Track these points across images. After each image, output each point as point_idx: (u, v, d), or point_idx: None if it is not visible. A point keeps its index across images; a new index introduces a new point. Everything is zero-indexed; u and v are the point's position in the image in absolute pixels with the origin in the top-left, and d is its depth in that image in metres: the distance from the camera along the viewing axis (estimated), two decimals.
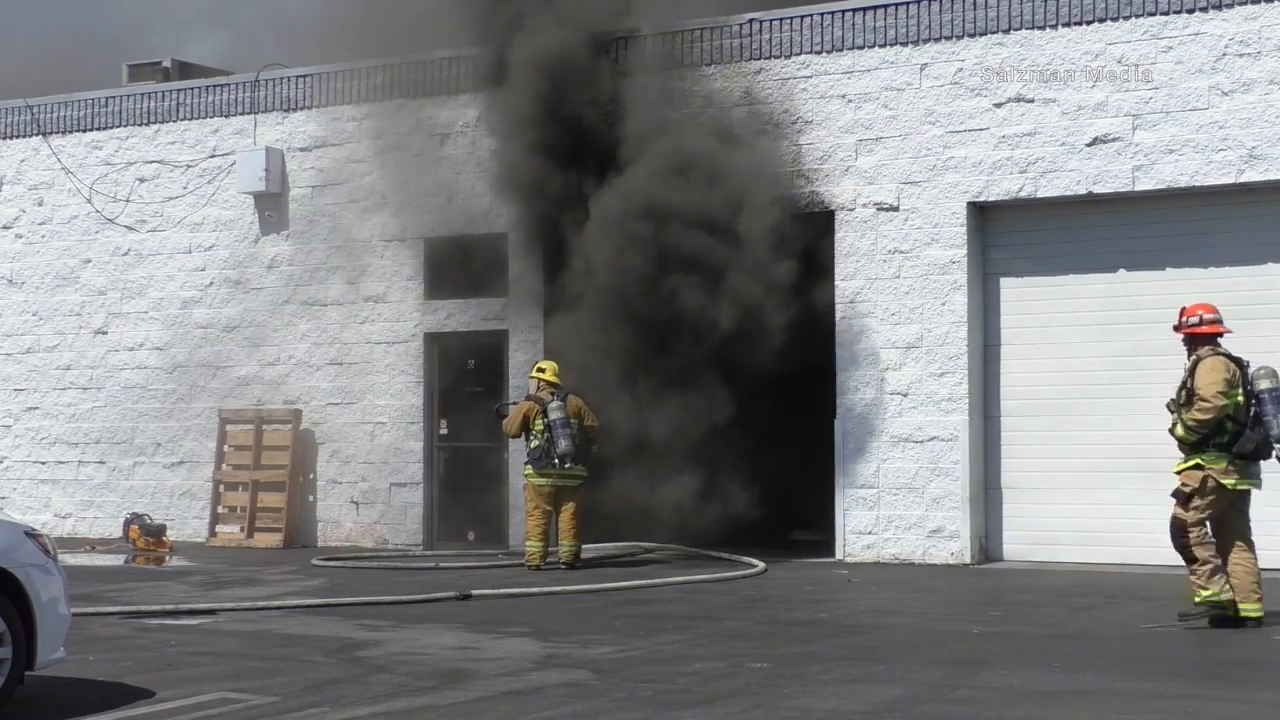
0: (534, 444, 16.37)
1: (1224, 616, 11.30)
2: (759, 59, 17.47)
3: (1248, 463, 11.40)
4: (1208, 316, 11.70)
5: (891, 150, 16.84)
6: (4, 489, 21.68)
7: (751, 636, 11.42)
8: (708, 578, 15.29)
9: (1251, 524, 11.63)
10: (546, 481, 16.35)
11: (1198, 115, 15.58)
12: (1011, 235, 16.71)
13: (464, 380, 19.21)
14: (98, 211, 21.24)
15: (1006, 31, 16.40)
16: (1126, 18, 15.89)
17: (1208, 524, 11.45)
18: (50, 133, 21.70)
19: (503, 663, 10.14)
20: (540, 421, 16.28)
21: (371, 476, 19.40)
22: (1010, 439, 16.63)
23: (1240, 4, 15.47)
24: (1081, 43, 16.08)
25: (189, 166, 20.74)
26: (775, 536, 18.33)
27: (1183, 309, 11.85)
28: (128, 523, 19.58)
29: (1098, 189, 15.99)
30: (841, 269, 16.99)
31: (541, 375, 16.59)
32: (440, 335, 19.22)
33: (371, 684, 9.40)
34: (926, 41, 16.76)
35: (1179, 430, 11.47)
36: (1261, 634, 11.21)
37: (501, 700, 8.86)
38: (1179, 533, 11.40)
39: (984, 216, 16.75)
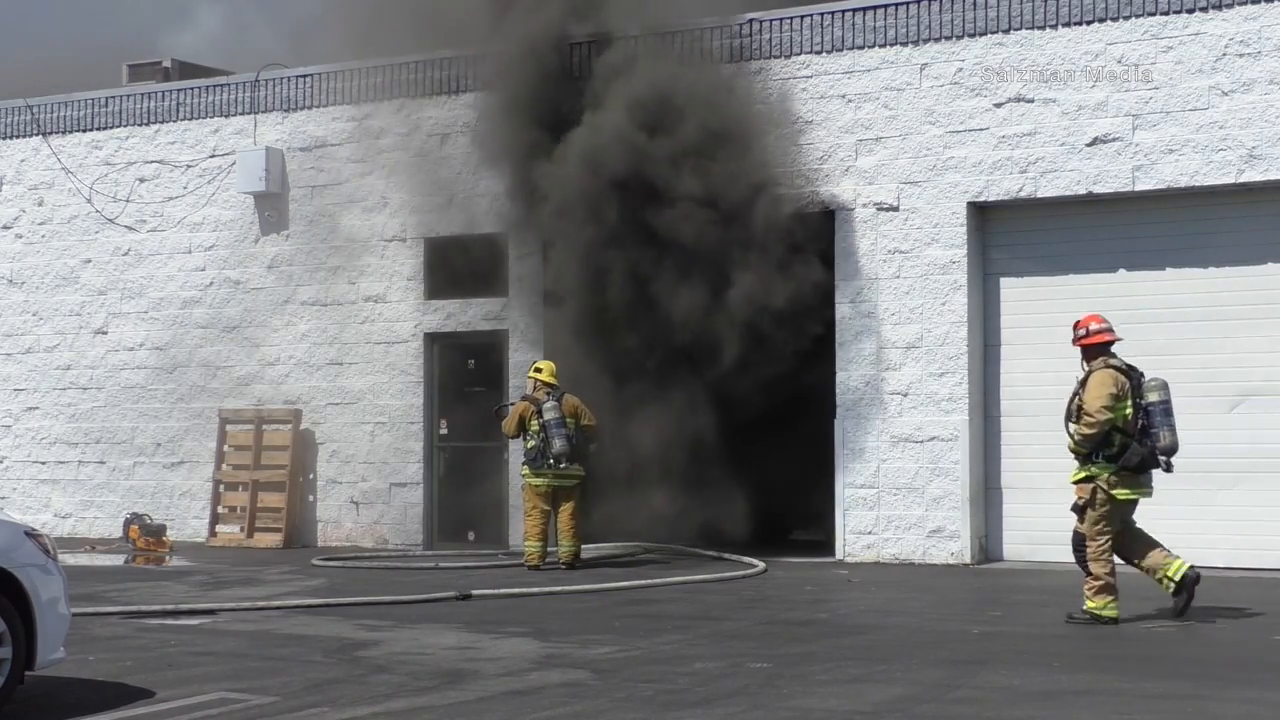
0: (530, 444, 16.36)
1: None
2: (759, 59, 17.46)
3: (1135, 473, 11.51)
4: (1095, 327, 11.85)
5: (891, 150, 16.83)
6: (4, 489, 21.67)
7: (751, 636, 11.42)
8: (708, 578, 15.28)
9: (1139, 522, 11.94)
10: (543, 482, 16.34)
11: (1198, 115, 15.57)
12: (1011, 235, 16.70)
13: (464, 380, 19.20)
14: (98, 211, 21.24)
15: (1006, 31, 16.40)
16: (1126, 18, 15.89)
17: (1108, 538, 11.65)
18: (50, 133, 21.70)
19: (503, 663, 10.14)
20: (536, 422, 16.27)
21: (371, 476, 19.40)
22: (1010, 439, 16.62)
23: (1240, 4, 15.47)
24: (1081, 43, 16.07)
25: (189, 166, 20.73)
26: (775, 536, 18.34)
27: (1075, 322, 12.03)
28: (128, 523, 19.58)
29: (1098, 189, 15.99)
30: (841, 269, 16.98)
31: (538, 375, 16.57)
32: (440, 335, 19.21)
33: (371, 684, 9.40)
34: (926, 41, 16.75)
35: (1070, 443, 11.68)
36: (1262, 634, 11.22)
37: (501, 700, 8.86)
38: (1078, 546, 11.74)
39: (984, 216, 16.75)
